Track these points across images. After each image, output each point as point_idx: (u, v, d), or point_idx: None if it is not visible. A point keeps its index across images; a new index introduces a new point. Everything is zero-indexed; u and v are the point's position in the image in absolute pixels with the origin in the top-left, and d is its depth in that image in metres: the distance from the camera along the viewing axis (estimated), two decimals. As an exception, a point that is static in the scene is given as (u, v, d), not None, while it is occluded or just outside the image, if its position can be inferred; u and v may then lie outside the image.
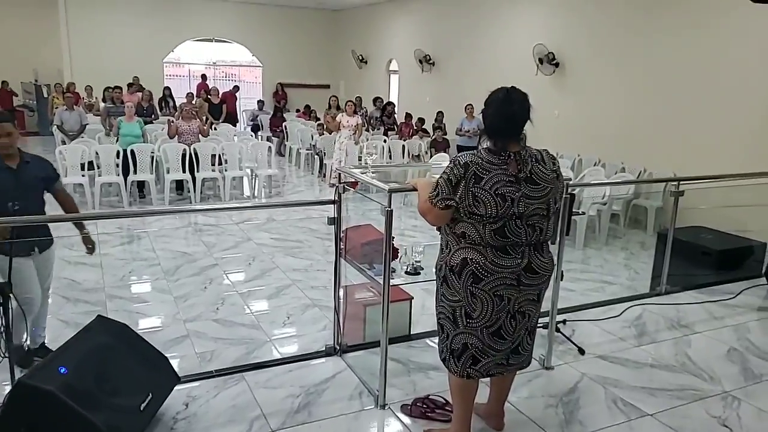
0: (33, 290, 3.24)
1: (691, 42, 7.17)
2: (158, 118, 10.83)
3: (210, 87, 12.90)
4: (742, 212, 5.53)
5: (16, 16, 14.49)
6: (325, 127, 10.54)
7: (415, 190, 2.68)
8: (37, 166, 3.34)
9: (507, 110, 2.28)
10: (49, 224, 3.42)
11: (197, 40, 16.48)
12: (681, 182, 4.45)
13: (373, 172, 3.12)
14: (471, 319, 2.35)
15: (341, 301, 3.40)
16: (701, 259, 4.94)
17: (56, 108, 10.46)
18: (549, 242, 2.44)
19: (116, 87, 10.89)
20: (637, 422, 2.82)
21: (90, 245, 3.48)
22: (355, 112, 9.71)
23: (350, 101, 9.97)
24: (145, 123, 9.12)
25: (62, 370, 2.27)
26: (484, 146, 2.32)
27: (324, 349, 3.39)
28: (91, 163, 8.07)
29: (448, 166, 2.33)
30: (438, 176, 2.36)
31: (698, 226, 5.46)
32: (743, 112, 6.56)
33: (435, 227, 2.49)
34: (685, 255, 4.85)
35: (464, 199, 2.25)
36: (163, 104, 12.57)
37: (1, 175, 3.14)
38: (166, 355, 2.82)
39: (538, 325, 2.89)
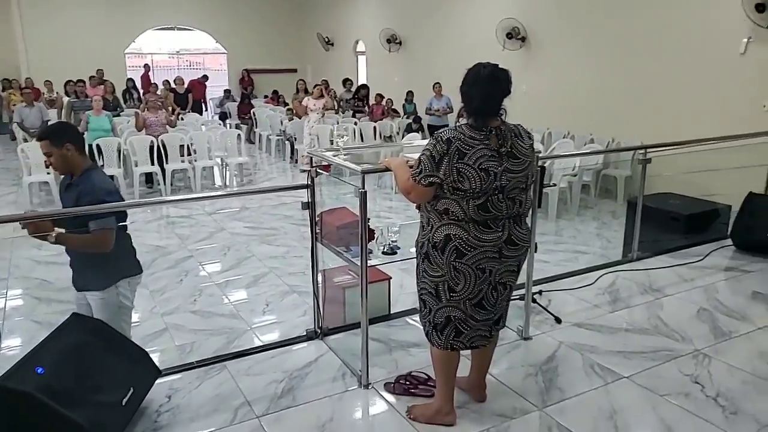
0: None
1: (653, 11, 7.25)
2: (123, 111, 10.61)
3: (175, 77, 12.64)
4: (707, 177, 5.67)
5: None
6: (294, 112, 10.46)
7: (388, 170, 2.68)
8: (78, 190, 2.80)
9: (493, 90, 2.28)
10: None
11: (159, 29, 16.09)
12: (648, 150, 4.54)
13: (345, 155, 3.11)
14: (454, 292, 2.38)
15: (320, 284, 3.40)
16: (670, 225, 5.06)
17: (14, 105, 10.16)
18: (526, 214, 2.48)
19: (79, 80, 10.62)
20: (613, 385, 2.90)
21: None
22: (322, 95, 9.65)
23: (318, 85, 9.94)
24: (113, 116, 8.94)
25: (39, 371, 2.23)
26: (464, 122, 2.33)
27: (305, 333, 3.40)
28: (55, 159, 7.87)
29: (429, 143, 2.32)
30: (418, 154, 2.36)
31: (666, 192, 5.58)
32: (704, 80, 6.69)
33: (414, 205, 2.51)
34: (654, 221, 4.96)
35: (449, 175, 2.26)
36: (126, 96, 12.31)
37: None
38: (145, 349, 2.80)
39: (515, 297, 2.96)
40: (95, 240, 2.77)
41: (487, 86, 2.28)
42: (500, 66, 2.32)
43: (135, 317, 4.22)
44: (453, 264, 2.34)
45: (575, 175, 6.98)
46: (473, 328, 2.46)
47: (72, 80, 11.28)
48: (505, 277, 2.43)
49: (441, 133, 2.32)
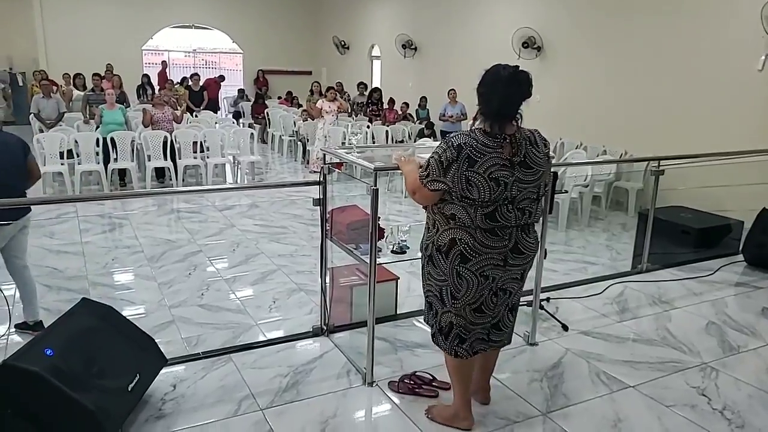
0: None
1: (670, 24, 7.23)
2: (129, 106, 10.67)
3: (191, 74, 12.71)
4: (720, 191, 5.63)
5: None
6: (308, 113, 10.50)
7: (399, 168, 2.68)
8: None
9: (513, 92, 2.19)
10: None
11: (176, 27, 16.23)
12: (661, 161, 4.52)
13: (358, 153, 3.13)
14: (455, 299, 2.36)
15: (328, 281, 3.41)
16: (681, 238, 5.02)
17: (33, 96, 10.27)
18: (535, 223, 2.43)
19: (95, 74, 10.72)
20: (619, 394, 2.88)
21: None
22: (335, 99, 9.68)
23: (332, 88, 9.98)
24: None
25: (48, 352, 2.26)
26: (478, 126, 2.24)
27: (311, 330, 3.41)
28: (70, 151, 7.96)
29: (440, 146, 2.24)
30: (428, 155, 2.30)
31: (678, 205, 5.55)
32: (720, 94, 6.65)
33: (422, 206, 2.49)
34: (665, 234, 4.93)
35: (457, 183, 2.18)
36: (141, 92, 12.38)
37: None
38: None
39: (522, 303, 2.94)
40: None
41: (507, 88, 2.18)
42: (520, 68, 2.24)
43: (142, 309, 4.27)
44: (456, 269, 2.30)
45: (587, 186, 6.95)
46: (472, 332, 2.44)
47: (81, 74, 11.43)
48: (507, 283, 2.39)
49: (452, 137, 2.23)
